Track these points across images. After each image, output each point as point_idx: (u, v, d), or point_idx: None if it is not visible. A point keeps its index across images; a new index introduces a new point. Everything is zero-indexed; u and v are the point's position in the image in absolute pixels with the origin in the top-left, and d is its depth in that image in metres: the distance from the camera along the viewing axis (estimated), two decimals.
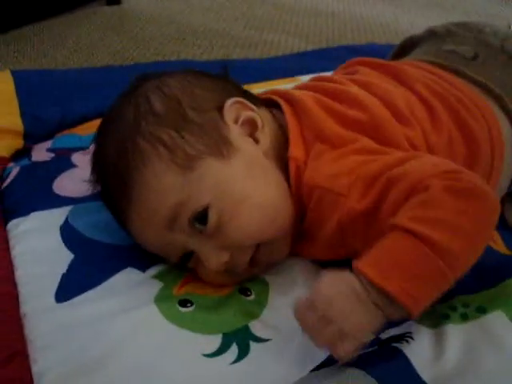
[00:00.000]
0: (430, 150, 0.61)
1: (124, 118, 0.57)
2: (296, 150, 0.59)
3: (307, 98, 0.62)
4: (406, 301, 0.45)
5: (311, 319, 0.46)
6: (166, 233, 0.55)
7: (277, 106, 0.64)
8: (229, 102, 0.59)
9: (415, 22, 1.86)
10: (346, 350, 0.45)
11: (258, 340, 0.53)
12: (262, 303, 0.58)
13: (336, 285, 0.47)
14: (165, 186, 0.54)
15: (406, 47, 0.86)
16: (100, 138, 0.60)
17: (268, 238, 0.56)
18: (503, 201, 0.72)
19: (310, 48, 1.53)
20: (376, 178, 0.52)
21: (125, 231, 0.60)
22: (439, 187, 0.47)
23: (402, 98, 0.64)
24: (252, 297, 0.58)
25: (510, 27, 1.25)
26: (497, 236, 0.68)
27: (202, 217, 0.54)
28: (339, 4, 2.06)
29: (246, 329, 0.54)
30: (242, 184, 0.55)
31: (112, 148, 0.57)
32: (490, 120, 0.67)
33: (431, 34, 0.82)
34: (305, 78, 1.13)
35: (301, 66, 1.22)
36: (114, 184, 0.57)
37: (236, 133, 0.58)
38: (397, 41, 0.89)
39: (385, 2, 2.14)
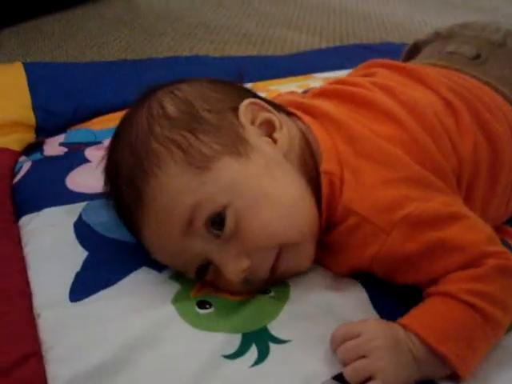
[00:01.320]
0: (459, 159, 0.59)
1: (137, 124, 0.56)
2: (330, 164, 0.56)
3: (336, 110, 0.60)
4: (460, 365, 0.48)
5: (349, 345, 0.48)
6: (182, 239, 0.52)
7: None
8: (244, 103, 0.57)
9: (428, 20, 1.84)
10: None
11: (278, 341, 0.52)
12: (282, 299, 0.56)
13: (382, 326, 0.50)
14: (180, 188, 0.52)
15: (412, 52, 0.85)
16: (113, 147, 0.58)
17: (290, 239, 0.54)
18: None
19: (323, 45, 1.51)
20: (426, 226, 0.52)
21: (140, 244, 0.57)
22: (495, 265, 0.50)
23: (429, 105, 0.61)
24: (272, 293, 0.56)
25: None
26: None
27: (219, 220, 0.52)
28: (352, 1, 2.04)
29: (265, 330, 0.52)
30: (261, 182, 0.53)
31: (126, 155, 0.55)
32: (511, 121, 0.66)
33: (436, 37, 0.81)
34: (319, 76, 1.12)
35: (315, 64, 1.21)
36: (129, 192, 0.55)
37: (253, 133, 0.56)
38: (410, 39, 0.88)
39: None
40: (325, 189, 0.55)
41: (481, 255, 0.51)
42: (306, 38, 1.58)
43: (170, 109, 0.55)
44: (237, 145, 0.54)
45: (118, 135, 0.58)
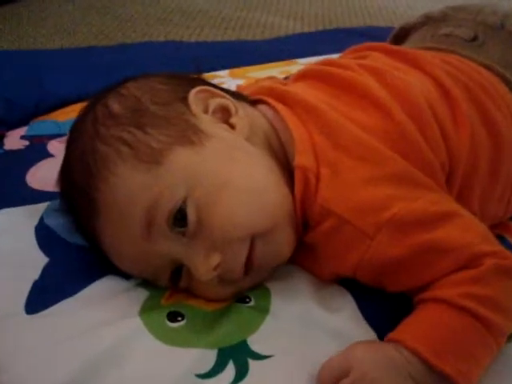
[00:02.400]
0: (450, 154, 0.55)
1: (84, 129, 0.52)
2: (303, 158, 0.51)
3: (314, 98, 0.55)
4: (461, 380, 0.43)
5: None
6: (145, 243, 0.48)
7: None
8: (193, 91, 0.53)
9: (413, 4, 1.80)
10: None
11: (258, 357, 0.47)
12: (263, 310, 0.51)
13: (371, 353, 0.44)
14: (133, 188, 0.48)
15: (400, 37, 0.81)
16: (64, 157, 0.55)
17: (259, 227, 0.48)
18: None
19: (305, 30, 1.47)
20: (414, 228, 0.47)
21: (104, 257, 0.53)
22: (491, 266, 0.46)
23: (421, 92, 0.56)
24: (252, 303, 0.51)
25: None
26: None
27: (180, 216, 0.47)
28: None
29: (244, 344, 0.47)
30: (219, 168, 0.49)
31: (75, 164, 0.52)
32: (510, 107, 0.62)
33: (427, 20, 0.77)
34: (303, 61, 1.07)
35: (297, 49, 1.17)
36: (82, 202, 0.51)
37: (207, 121, 0.52)
38: (395, 23, 0.84)
39: None
40: (298, 185, 0.51)
41: (475, 256, 0.47)
42: (287, 23, 1.53)
43: (115, 107, 0.52)
44: (188, 134, 0.50)
45: (68, 145, 0.55)
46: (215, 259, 0.48)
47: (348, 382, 0.43)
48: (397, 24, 0.85)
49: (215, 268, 0.48)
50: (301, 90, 0.57)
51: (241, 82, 0.67)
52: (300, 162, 0.51)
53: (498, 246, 0.49)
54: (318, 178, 0.50)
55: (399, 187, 0.49)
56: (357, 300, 0.52)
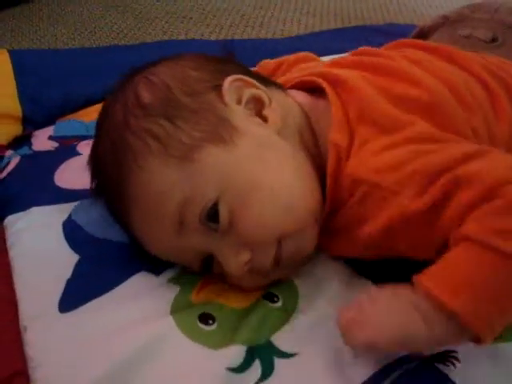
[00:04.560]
0: (492, 142, 0.54)
1: (113, 117, 0.51)
2: (338, 135, 0.51)
3: (352, 75, 0.55)
4: (482, 328, 0.40)
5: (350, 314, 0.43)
6: (178, 238, 0.49)
7: (313, 90, 0.57)
8: (228, 81, 0.52)
9: (432, 2, 1.78)
10: (360, 335, 0.42)
11: (283, 355, 0.47)
12: (290, 309, 0.51)
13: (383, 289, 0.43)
14: (164, 185, 0.47)
15: (419, 38, 0.80)
16: (94, 141, 0.54)
17: (287, 230, 0.49)
18: None
19: (324, 27, 1.46)
20: (437, 175, 0.45)
21: (137, 244, 0.53)
22: None
23: (461, 80, 0.56)
24: (279, 303, 0.52)
25: None
26: None
27: (212, 214, 0.47)
28: None
29: (270, 343, 0.48)
30: (251, 170, 0.49)
31: (105, 152, 0.51)
32: None
33: (444, 21, 0.77)
34: (325, 59, 1.06)
35: (317, 47, 1.15)
36: (112, 192, 0.51)
37: (240, 114, 0.51)
38: (414, 20, 0.83)
39: None
40: (331, 163, 0.51)
41: (500, 182, 0.42)
42: (307, 20, 1.52)
43: (145, 96, 0.50)
44: (220, 130, 0.49)
45: (98, 129, 0.54)
46: (245, 256, 0.48)
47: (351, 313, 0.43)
48: (416, 21, 0.85)
49: (245, 264, 0.49)
50: (340, 71, 0.57)
51: None
52: (334, 140, 0.51)
53: None
54: (348, 154, 0.50)
55: (421, 143, 0.49)
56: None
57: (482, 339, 0.40)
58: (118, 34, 1.39)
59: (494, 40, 0.70)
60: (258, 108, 0.53)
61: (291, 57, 0.73)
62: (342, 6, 1.70)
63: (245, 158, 0.49)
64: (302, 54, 0.73)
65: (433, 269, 0.42)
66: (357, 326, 0.42)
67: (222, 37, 1.37)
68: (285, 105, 0.55)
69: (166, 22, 1.47)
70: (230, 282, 0.52)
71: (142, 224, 0.50)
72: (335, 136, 0.51)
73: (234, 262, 0.48)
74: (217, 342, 0.48)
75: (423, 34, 0.80)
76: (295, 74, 0.63)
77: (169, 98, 0.50)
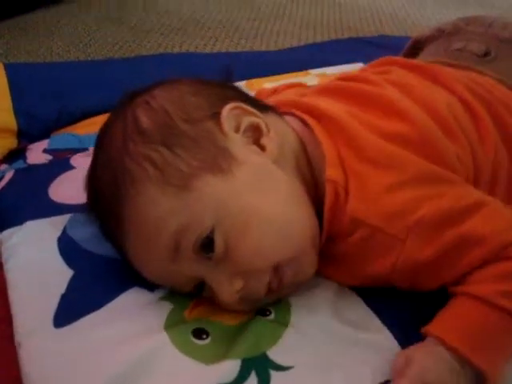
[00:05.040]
0: (477, 168, 0.55)
1: (112, 141, 0.51)
2: (333, 171, 0.51)
3: (339, 111, 0.55)
4: (494, 377, 0.45)
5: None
6: (171, 264, 0.49)
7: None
8: (226, 108, 0.52)
9: (424, 12, 1.80)
10: None
11: (279, 368, 0.48)
12: (283, 322, 0.52)
13: (431, 355, 0.46)
14: (161, 212, 0.47)
15: (414, 49, 0.82)
16: (93, 161, 0.54)
17: (284, 258, 0.49)
18: None
19: (318, 39, 1.47)
20: (443, 226, 0.48)
21: (130, 266, 0.53)
22: None
23: (445, 105, 0.57)
24: (272, 316, 0.52)
25: None
26: None
27: (207, 243, 0.48)
28: None
29: (265, 356, 0.48)
30: (248, 200, 0.49)
31: (103, 174, 0.51)
32: None
33: (440, 33, 0.78)
34: (315, 72, 1.08)
35: (311, 59, 1.17)
36: (108, 216, 0.51)
37: (238, 143, 0.51)
38: (408, 31, 0.85)
39: None
40: (329, 198, 0.51)
41: (505, 245, 0.47)
42: (300, 32, 1.54)
43: (144, 121, 0.50)
44: (218, 159, 0.49)
45: (97, 149, 0.54)
46: (238, 284, 0.49)
47: (412, 373, 0.44)
48: (409, 32, 0.86)
49: (237, 292, 0.49)
50: (326, 104, 0.57)
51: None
52: (331, 176, 0.51)
53: None
54: (346, 191, 0.51)
55: (423, 187, 0.50)
56: (372, 308, 0.53)
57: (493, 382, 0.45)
58: (113, 46, 1.40)
59: (486, 54, 0.70)
60: (255, 136, 0.53)
61: (285, 84, 0.74)
62: (335, 17, 1.72)
63: (242, 188, 0.49)
64: (294, 83, 0.74)
65: (448, 324, 0.47)
66: None
67: (216, 49, 1.39)
68: (281, 131, 0.55)
69: (161, 35, 1.48)
70: (220, 306, 0.52)
71: (135, 247, 0.50)
72: (331, 172, 0.51)
73: (228, 290, 0.49)
74: (210, 357, 0.48)
75: (419, 44, 0.81)
76: (279, 102, 0.62)
77: (168, 125, 0.50)
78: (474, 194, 0.51)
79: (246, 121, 0.52)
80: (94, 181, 0.53)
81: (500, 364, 0.46)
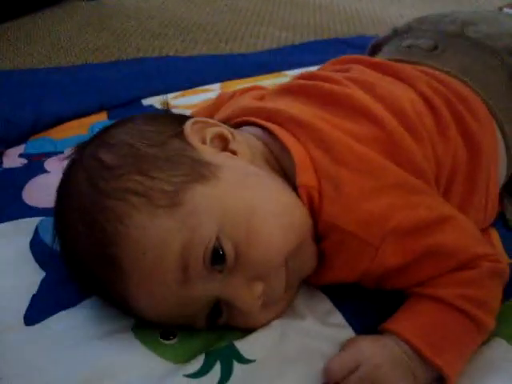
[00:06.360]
0: (437, 163, 0.56)
1: (78, 189, 0.48)
2: (305, 176, 0.51)
3: (305, 113, 0.55)
4: (452, 375, 0.46)
5: (353, 381, 0.46)
6: (181, 289, 0.45)
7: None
8: (188, 125, 0.51)
9: (405, 13, 1.81)
10: None
11: (242, 360, 0.48)
12: None
13: (378, 348, 0.47)
14: (158, 237, 0.44)
15: (373, 51, 0.83)
16: (59, 224, 0.50)
17: (292, 247, 0.48)
18: (502, 198, 0.69)
19: (297, 41, 1.48)
20: (415, 236, 0.50)
21: (135, 317, 0.51)
22: (484, 269, 0.50)
23: (407, 101, 0.58)
24: None
25: (501, 9, 1.23)
26: (496, 238, 0.64)
27: (216, 254, 0.45)
28: None
29: (231, 347, 0.49)
30: (241, 197, 0.48)
31: (78, 227, 0.47)
32: (486, 119, 0.64)
33: (394, 33, 0.79)
34: (292, 73, 1.09)
35: (288, 60, 1.18)
36: (100, 270, 0.46)
37: (209, 152, 0.50)
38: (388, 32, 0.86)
39: None
40: (303, 202, 0.51)
41: (471, 258, 0.50)
42: (280, 34, 1.54)
43: (108, 158, 0.48)
44: (198, 169, 0.48)
45: (60, 213, 0.50)
46: (259, 288, 0.47)
47: (357, 376, 0.45)
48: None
49: (259, 296, 0.47)
50: (289, 107, 0.57)
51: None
52: (302, 181, 0.51)
53: (490, 248, 0.52)
54: (320, 194, 0.50)
55: (398, 196, 0.51)
56: (336, 305, 0.54)
57: (452, 381, 0.47)
58: (93, 51, 1.40)
59: (434, 48, 0.70)
60: (223, 144, 0.53)
61: (242, 89, 0.74)
62: (316, 20, 1.72)
63: (232, 188, 0.48)
64: (252, 87, 0.75)
65: (409, 323, 0.48)
66: None
67: (196, 52, 1.39)
68: (245, 138, 0.55)
69: (142, 39, 1.49)
70: (242, 327, 0.50)
71: (139, 285, 0.46)
72: (302, 178, 0.51)
73: (248, 296, 0.47)
74: (178, 356, 0.49)
75: (377, 46, 0.82)
76: (236, 111, 0.61)
77: (134, 154, 0.48)
78: (445, 206, 0.53)
79: (210, 132, 0.52)
80: (72, 243, 0.49)
81: (458, 364, 0.47)
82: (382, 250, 0.49)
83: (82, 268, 0.49)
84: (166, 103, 0.64)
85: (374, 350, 0.47)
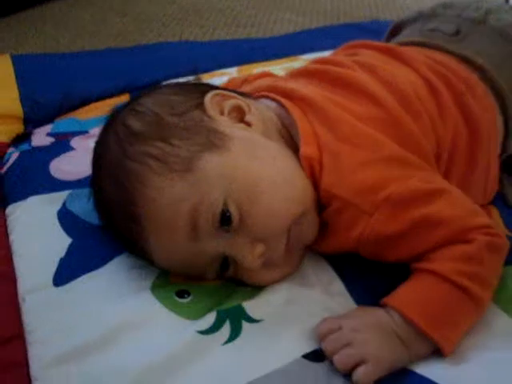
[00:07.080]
0: (438, 142, 0.59)
1: (108, 151, 0.55)
2: (308, 148, 0.55)
3: (314, 93, 0.59)
4: (447, 347, 0.49)
5: (332, 337, 0.49)
6: (192, 245, 0.52)
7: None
8: (208, 97, 0.57)
9: None
10: (365, 373, 0.47)
11: (251, 320, 0.53)
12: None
13: (365, 317, 0.50)
14: (172, 198, 0.51)
15: (394, 32, 0.85)
16: (94, 179, 0.58)
17: (295, 215, 0.53)
18: (501, 178, 0.71)
19: (313, 26, 1.50)
20: (408, 205, 0.52)
21: (152, 264, 0.57)
22: (483, 244, 0.51)
23: (408, 83, 0.62)
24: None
25: (507, 1, 1.23)
26: (496, 215, 0.67)
27: (224, 216, 0.51)
28: None
29: (240, 308, 0.54)
30: (249, 167, 0.53)
31: (109, 187, 0.55)
32: (489, 104, 0.67)
33: (418, 16, 0.81)
34: (306, 57, 1.12)
35: (303, 45, 1.21)
36: (125, 224, 0.54)
37: (226, 123, 0.55)
38: (403, 16, 0.88)
39: None
40: (305, 172, 0.55)
41: (466, 229, 0.51)
42: (297, 19, 1.57)
43: (135, 124, 0.54)
44: (212, 139, 0.53)
45: (96, 167, 0.58)
46: (260, 249, 0.52)
47: (335, 334, 0.49)
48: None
49: (260, 256, 0.52)
50: (302, 87, 0.61)
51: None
52: (305, 152, 0.55)
53: (486, 220, 0.53)
54: (321, 166, 0.54)
55: (394, 168, 0.54)
56: (340, 276, 0.58)
57: (447, 353, 0.49)
58: (117, 36, 1.45)
59: (456, 33, 0.73)
60: (240, 116, 0.57)
61: (254, 75, 0.78)
62: (333, 4, 1.74)
63: (241, 158, 0.53)
64: (264, 73, 0.78)
65: (407, 297, 0.50)
66: (354, 361, 0.47)
67: (215, 37, 1.43)
68: (261, 110, 0.59)
69: (163, 24, 1.53)
70: (247, 282, 0.56)
71: (156, 240, 0.52)
72: (305, 149, 0.55)
73: (250, 255, 0.52)
74: (191, 313, 0.54)
75: (399, 28, 0.84)
76: (258, 87, 0.66)
77: (158, 122, 0.54)
78: (440, 181, 0.56)
79: (228, 104, 0.57)
80: (101, 197, 0.57)
81: (455, 339, 0.49)
82: (376, 218, 0.52)
83: (110, 216, 0.56)
84: (199, 78, 0.69)
85: (358, 316, 0.51)
